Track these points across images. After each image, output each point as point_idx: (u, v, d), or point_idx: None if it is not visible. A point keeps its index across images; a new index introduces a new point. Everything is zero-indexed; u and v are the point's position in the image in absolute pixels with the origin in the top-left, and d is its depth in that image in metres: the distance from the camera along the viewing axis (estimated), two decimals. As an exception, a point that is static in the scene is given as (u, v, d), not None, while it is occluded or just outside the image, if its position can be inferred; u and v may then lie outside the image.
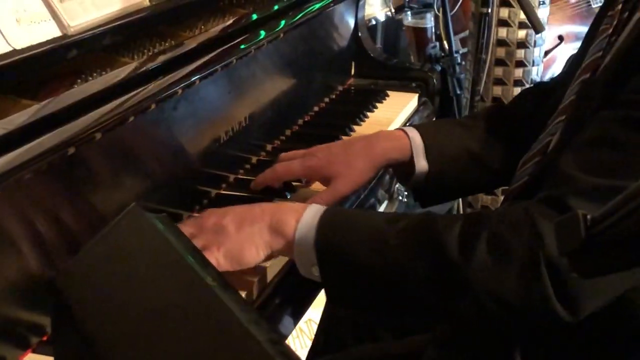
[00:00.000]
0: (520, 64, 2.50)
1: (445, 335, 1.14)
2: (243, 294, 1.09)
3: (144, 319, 0.77)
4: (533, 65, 2.52)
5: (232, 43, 1.41)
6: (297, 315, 1.24)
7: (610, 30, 1.10)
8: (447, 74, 2.38)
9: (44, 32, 1.11)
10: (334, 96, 1.90)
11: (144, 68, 1.22)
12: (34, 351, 0.99)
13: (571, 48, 3.09)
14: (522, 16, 2.34)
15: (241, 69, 1.45)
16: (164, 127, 1.24)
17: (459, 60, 2.43)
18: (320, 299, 1.18)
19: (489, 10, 2.28)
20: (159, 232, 0.85)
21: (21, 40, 1.07)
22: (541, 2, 2.46)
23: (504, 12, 2.47)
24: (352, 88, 1.99)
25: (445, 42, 2.46)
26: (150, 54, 1.30)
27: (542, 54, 2.59)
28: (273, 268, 1.16)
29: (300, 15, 1.67)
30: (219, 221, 1.07)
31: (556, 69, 3.07)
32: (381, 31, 2.85)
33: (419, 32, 2.81)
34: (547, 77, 2.89)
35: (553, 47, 3.11)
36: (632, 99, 0.95)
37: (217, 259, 1.04)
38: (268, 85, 1.59)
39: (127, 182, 1.16)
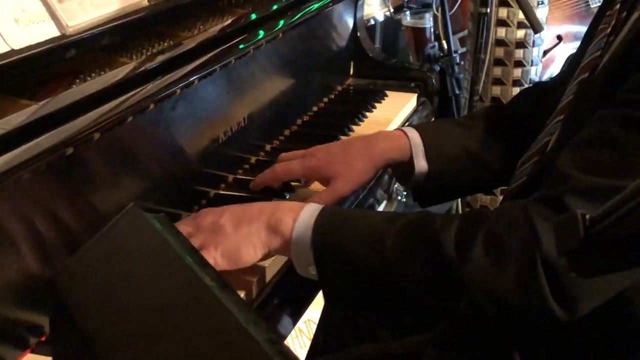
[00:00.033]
0: (519, 63, 2.51)
1: (445, 335, 1.14)
2: (242, 293, 1.09)
3: (143, 319, 0.77)
4: (532, 65, 2.52)
5: (230, 43, 1.41)
6: (296, 316, 1.24)
7: (609, 30, 1.10)
8: (446, 74, 2.38)
9: (43, 32, 1.11)
10: (332, 96, 1.90)
11: (142, 68, 1.22)
12: (32, 351, 0.99)
13: (570, 48, 3.09)
14: (521, 16, 2.34)
15: (240, 69, 1.45)
16: (162, 127, 1.24)
17: (458, 60, 2.43)
18: (320, 299, 1.18)
19: (488, 10, 2.28)
20: (157, 232, 0.85)
21: (20, 41, 1.07)
22: (540, 2, 2.46)
23: (503, 12, 2.47)
24: (351, 88, 1.99)
25: (444, 42, 2.47)
26: (149, 54, 1.30)
27: (541, 53, 2.59)
28: (272, 268, 1.16)
29: (299, 15, 1.67)
30: (216, 220, 1.07)
31: (555, 69, 3.07)
32: (380, 31, 2.85)
33: (418, 32, 2.81)
34: (545, 77, 2.89)
35: (552, 47, 3.11)
36: (630, 98, 0.95)
37: (215, 258, 1.04)
38: (267, 85, 1.59)
39: (126, 182, 1.16)
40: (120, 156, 1.15)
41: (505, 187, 1.26)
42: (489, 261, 0.95)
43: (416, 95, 1.93)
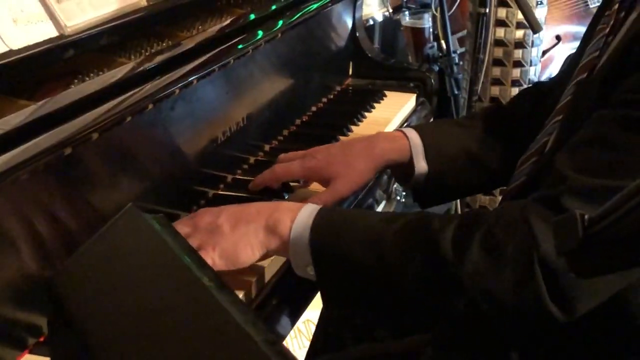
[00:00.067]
0: (518, 64, 2.51)
1: (444, 335, 1.14)
2: (241, 294, 1.09)
3: (141, 320, 0.76)
4: (531, 65, 2.52)
5: (229, 43, 1.41)
6: (295, 316, 1.24)
7: (607, 30, 1.10)
8: (444, 74, 2.38)
9: (41, 32, 1.11)
10: (331, 96, 1.90)
11: (141, 68, 1.22)
12: (31, 352, 0.99)
13: (569, 48, 3.09)
14: (520, 16, 2.35)
15: (239, 69, 1.45)
16: (161, 128, 1.24)
17: (457, 60, 2.43)
18: (319, 300, 1.18)
19: (487, 10, 2.28)
20: (155, 232, 0.85)
21: (18, 41, 1.06)
22: (539, 2, 2.46)
23: (502, 12, 2.47)
24: (350, 88, 1.99)
25: (443, 42, 2.47)
26: (147, 54, 1.30)
27: (540, 54, 2.59)
28: (271, 268, 1.16)
29: (298, 15, 1.67)
30: (214, 220, 1.07)
31: (554, 69, 3.07)
32: (379, 31, 2.86)
33: (417, 32, 2.81)
34: (544, 77, 2.89)
35: (551, 47, 3.11)
36: (628, 98, 0.95)
37: (213, 258, 1.04)
38: (266, 86, 1.59)
39: (124, 183, 1.16)
40: (118, 156, 1.15)
41: (505, 187, 1.27)
42: (487, 262, 0.95)
43: (415, 95, 1.93)
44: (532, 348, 1.06)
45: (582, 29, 2.57)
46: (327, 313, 1.50)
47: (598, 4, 1.26)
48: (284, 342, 1.50)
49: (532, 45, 2.50)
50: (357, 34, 1.98)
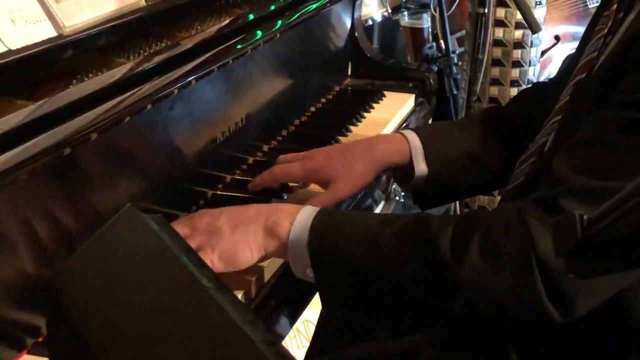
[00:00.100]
0: (517, 64, 2.51)
1: (443, 335, 1.14)
2: (240, 294, 1.09)
3: (140, 320, 0.76)
4: (530, 65, 2.52)
5: (228, 43, 1.41)
6: (294, 316, 1.24)
7: (606, 31, 1.10)
8: (443, 74, 2.39)
9: (40, 32, 1.11)
10: (330, 96, 1.90)
11: (140, 68, 1.22)
12: (29, 352, 0.99)
13: (568, 48, 3.10)
14: (519, 16, 2.35)
15: (238, 69, 1.45)
16: (160, 128, 1.24)
17: (456, 61, 2.43)
18: (318, 300, 1.18)
19: (486, 11, 2.28)
20: (154, 232, 0.85)
21: (17, 41, 1.06)
22: (538, 2, 2.46)
23: (501, 12, 2.47)
24: (349, 88, 1.99)
25: (442, 43, 2.47)
26: (146, 54, 1.30)
27: (539, 54, 2.59)
28: (270, 268, 1.16)
29: (297, 15, 1.67)
30: (213, 222, 1.07)
31: (553, 69, 3.07)
32: (378, 31, 2.86)
33: (416, 33, 2.81)
34: (543, 78, 2.89)
35: (550, 47, 3.11)
36: (627, 99, 0.95)
37: (212, 260, 1.04)
38: (265, 86, 1.59)
39: (123, 183, 1.16)
40: (117, 156, 1.15)
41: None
42: (485, 263, 0.95)
43: (414, 95, 1.93)
44: (531, 348, 1.06)
45: (581, 29, 2.57)
46: (326, 313, 1.50)
47: (597, 4, 1.26)
48: (283, 343, 1.50)
49: (531, 46, 2.50)
50: (356, 34, 1.98)
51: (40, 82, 1.14)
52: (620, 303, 0.97)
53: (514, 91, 2.52)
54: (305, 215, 1.05)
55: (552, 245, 0.84)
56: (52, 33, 1.13)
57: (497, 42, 2.49)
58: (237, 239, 1.05)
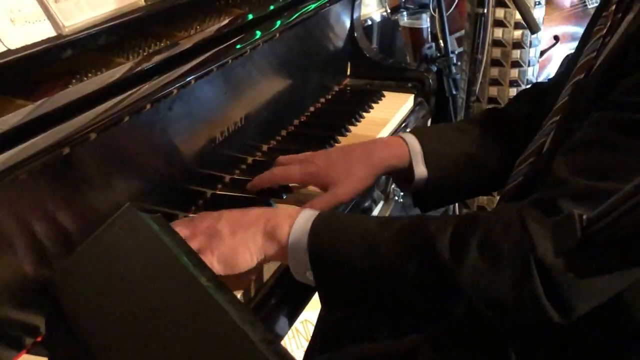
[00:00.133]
0: (516, 64, 2.51)
1: (442, 335, 1.14)
2: (239, 293, 1.09)
3: (139, 320, 0.76)
4: (529, 65, 2.52)
5: (227, 43, 1.41)
6: (293, 316, 1.24)
7: (604, 31, 1.10)
8: (443, 74, 2.39)
9: (39, 32, 1.11)
10: (329, 96, 1.90)
11: (139, 68, 1.22)
12: (28, 352, 0.99)
13: (567, 48, 3.10)
14: (518, 16, 2.35)
15: (237, 69, 1.45)
16: (159, 128, 1.24)
17: (455, 61, 2.43)
18: (317, 300, 1.18)
19: (485, 11, 2.28)
20: (153, 232, 0.85)
21: (16, 40, 1.06)
22: (537, 3, 2.46)
23: (500, 13, 2.47)
24: (348, 88, 1.99)
25: (441, 43, 2.47)
26: (145, 54, 1.30)
27: (538, 54, 2.59)
28: (269, 268, 1.16)
29: (296, 15, 1.67)
30: (213, 225, 1.07)
31: (552, 70, 3.07)
32: (377, 31, 2.86)
33: (415, 33, 2.81)
34: (542, 78, 2.90)
35: (549, 48, 3.11)
36: (626, 101, 0.95)
37: (212, 262, 1.03)
38: (264, 86, 1.58)
39: (122, 182, 1.16)
40: (116, 156, 1.15)
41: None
42: (484, 264, 0.95)
43: (413, 95, 1.93)
44: (531, 348, 1.06)
45: (580, 30, 2.57)
46: (325, 314, 1.50)
47: (596, 4, 1.26)
48: (282, 342, 1.50)
49: (530, 46, 2.51)
50: (355, 34, 1.98)
51: (40, 82, 1.14)
52: (620, 303, 0.97)
53: (513, 91, 2.52)
54: (304, 218, 1.05)
55: (551, 246, 0.84)
56: (52, 33, 1.13)
57: (496, 42, 2.50)
58: (236, 242, 1.05)
